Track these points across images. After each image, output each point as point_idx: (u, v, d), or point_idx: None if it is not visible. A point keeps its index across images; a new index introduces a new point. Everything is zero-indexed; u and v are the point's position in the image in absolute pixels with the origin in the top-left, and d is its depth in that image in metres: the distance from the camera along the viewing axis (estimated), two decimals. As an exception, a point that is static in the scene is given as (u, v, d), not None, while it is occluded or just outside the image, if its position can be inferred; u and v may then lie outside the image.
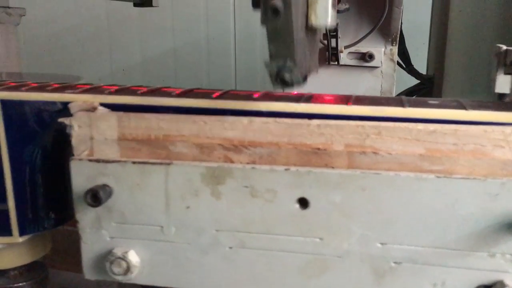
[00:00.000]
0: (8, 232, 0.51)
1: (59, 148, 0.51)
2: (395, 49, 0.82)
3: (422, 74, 1.16)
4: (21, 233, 0.51)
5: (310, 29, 0.41)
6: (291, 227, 0.42)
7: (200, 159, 0.44)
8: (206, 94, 0.46)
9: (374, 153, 0.40)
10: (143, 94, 0.46)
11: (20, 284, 0.56)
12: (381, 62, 0.80)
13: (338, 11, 0.72)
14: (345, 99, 0.44)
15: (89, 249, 0.46)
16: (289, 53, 0.37)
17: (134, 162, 0.43)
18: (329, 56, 0.78)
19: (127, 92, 0.47)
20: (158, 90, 0.48)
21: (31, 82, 0.53)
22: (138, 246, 0.45)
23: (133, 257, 0.45)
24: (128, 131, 0.44)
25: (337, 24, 0.75)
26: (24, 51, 2.05)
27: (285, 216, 0.41)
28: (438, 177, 0.38)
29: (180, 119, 0.43)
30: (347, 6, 0.74)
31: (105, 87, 0.51)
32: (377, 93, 0.82)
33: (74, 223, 0.56)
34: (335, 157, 0.41)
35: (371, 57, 0.80)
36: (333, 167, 0.41)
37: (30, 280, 0.56)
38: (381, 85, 0.81)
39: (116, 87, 0.50)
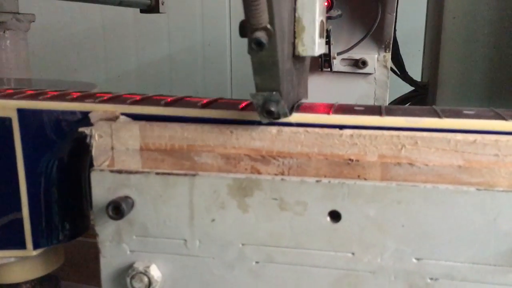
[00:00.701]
0: (22, 245, 0.49)
1: (76, 158, 0.49)
2: (389, 55, 0.81)
3: (416, 81, 1.15)
4: (35, 247, 0.49)
5: (297, 58, 0.41)
6: (322, 241, 0.40)
7: (226, 170, 0.42)
8: (232, 105, 0.44)
9: (410, 164, 0.39)
10: (167, 104, 0.44)
11: (32, 298, 0.54)
12: (375, 68, 0.79)
13: (330, 18, 0.72)
14: (377, 110, 0.42)
15: (109, 263, 0.44)
16: (275, 85, 0.36)
17: (157, 173, 0.42)
18: (322, 63, 0.77)
19: (150, 102, 0.45)
20: (182, 100, 0.47)
21: (49, 90, 0.51)
22: (160, 260, 0.43)
23: (155, 271, 0.43)
24: (151, 140, 0.43)
25: (329, 31, 0.75)
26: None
27: (315, 230, 0.40)
28: (478, 189, 0.37)
29: (205, 129, 0.42)
30: (339, 12, 0.73)
31: (126, 96, 0.49)
32: (370, 100, 0.81)
33: (88, 234, 0.54)
34: (368, 169, 0.40)
35: (364, 63, 0.79)
36: (366, 179, 0.40)
37: (43, 295, 0.55)
38: (375, 92, 0.80)
39: (138, 97, 0.48)
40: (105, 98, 0.47)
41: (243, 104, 0.44)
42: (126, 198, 0.42)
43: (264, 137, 0.41)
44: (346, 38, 0.79)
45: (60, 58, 2.21)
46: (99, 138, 0.44)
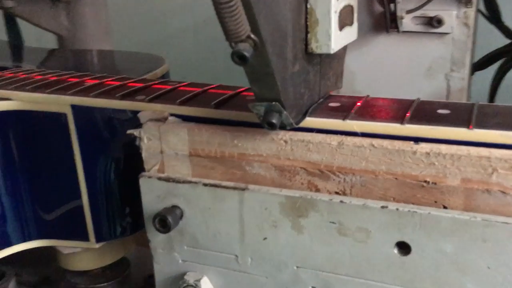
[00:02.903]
0: (85, 238, 0.49)
1: (134, 152, 0.47)
2: (471, 11, 0.66)
3: None
4: (98, 240, 0.49)
5: (313, 55, 0.35)
6: (387, 274, 0.34)
7: (280, 183, 0.37)
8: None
9: (503, 193, 0.31)
10: (218, 105, 0.40)
11: (101, 284, 0.55)
12: (452, 27, 0.66)
13: None
14: (466, 117, 0.34)
15: (162, 270, 0.42)
16: (274, 94, 0.31)
17: (205, 185, 0.38)
18: (387, 23, 0.65)
19: (201, 101, 0.41)
20: (238, 95, 0.42)
21: (109, 79, 0.49)
22: (211, 273, 0.40)
23: (206, 285, 0.40)
24: (200, 146, 0.39)
25: None
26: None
27: (380, 261, 0.34)
28: None
29: (257, 136, 0.37)
30: None
31: (182, 88, 0.45)
32: (446, 63, 0.68)
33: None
34: (448, 194, 0.32)
35: (439, 22, 0.66)
36: (445, 206, 0.33)
37: (112, 280, 0.55)
38: (452, 54, 0.67)
39: (191, 89, 0.44)
40: (157, 94, 0.43)
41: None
42: (174, 209, 0.39)
43: (323, 150, 0.35)
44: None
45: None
46: (148, 141, 0.41)
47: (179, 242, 0.41)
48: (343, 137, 0.35)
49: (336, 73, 0.42)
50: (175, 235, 0.40)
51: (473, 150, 0.31)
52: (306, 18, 0.33)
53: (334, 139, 0.35)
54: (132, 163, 0.48)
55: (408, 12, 0.64)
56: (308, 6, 0.33)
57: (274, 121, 0.32)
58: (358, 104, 0.38)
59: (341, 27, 0.35)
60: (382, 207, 0.33)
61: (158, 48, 0.91)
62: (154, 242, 0.42)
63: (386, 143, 0.33)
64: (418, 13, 0.64)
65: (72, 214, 0.49)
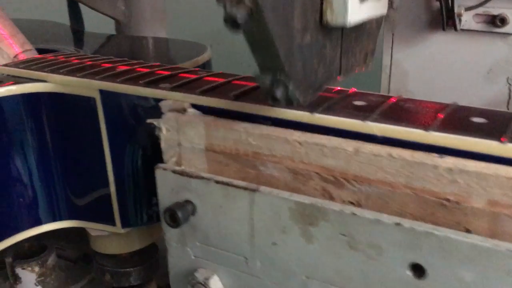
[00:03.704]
0: (112, 222, 0.49)
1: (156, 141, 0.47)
2: None
3: None
4: (124, 225, 0.49)
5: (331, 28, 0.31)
6: (400, 296, 0.31)
7: (294, 187, 0.35)
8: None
9: (534, 221, 0.27)
10: (237, 97, 0.38)
11: (128, 269, 0.55)
12: None
13: None
14: (502, 132, 0.30)
15: (175, 263, 0.42)
16: (277, 65, 0.28)
17: (217, 182, 0.37)
18: (443, 20, 0.59)
19: (221, 92, 0.40)
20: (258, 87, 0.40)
21: (140, 66, 0.49)
22: (222, 272, 0.39)
23: (215, 284, 0.39)
24: (216, 141, 0.38)
25: None
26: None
27: (392, 281, 0.31)
28: None
29: (272, 136, 0.35)
30: None
31: (207, 78, 0.44)
32: (509, 67, 0.61)
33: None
34: (471, 216, 0.29)
35: (503, 21, 0.58)
36: (467, 229, 0.29)
37: (139, 265, 0.55)
38: None
39: (217, 79, 0.43)
40: (180, 82, 0.42)
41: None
42: (186, 204, 0.38)
43: (338, 155, 0.32)
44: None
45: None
46: (166, 132, 0.40)
47: (192, 238, 0.40)
48: (360, 144, 0.32)
49: (364, 50, 0.38)
50: (188, 230, 0.40)
51: (502, 169, 0.27)
52: None
53: (350, 145, 0.32)
54: (157, 151, 0.48)
55: (468, 9, 0.58)
56: None
57: (277, 95, 0.30)
58: (385, 104, 0.35)
59: None
60: (397, 224, 0.30)
61: (212, 38, 0.90)
62: (168, 235, 0.41)
63: (405, 153, 0.30)
64: (479, 10, 0.59)
65: (99, 197, 0.49)
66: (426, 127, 0.31)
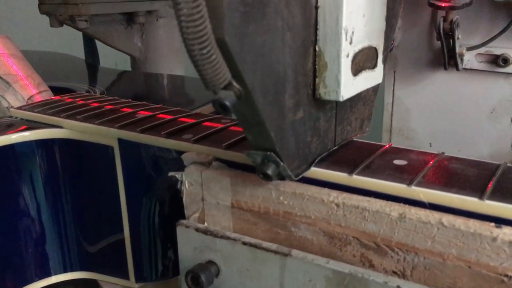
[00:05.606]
0: (126, 276, 0.47)
1: (178, 195, 0.44)
2: None
3: None
4: (138, 280, 0.46)
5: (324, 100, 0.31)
6: None
7: (329, 252, 0.32)
8: (362, 152, 0.34)
9: None
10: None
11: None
12: None
13: (454, 8, 0.55)
14: None
15: (195, 327, 0.38)
16: (269, 144, 0.28)
17: (245, 243, 0.34)
18: (446, 60, 0.58)
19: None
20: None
21: (162, 113, 0.46)
22: None
23: None
24: (243, 198, 0.35)
25: (454, 22, 0.56)
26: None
27: None
28: None
29: (306, 196, 0.32)
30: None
31: (232, 128, 0.41)
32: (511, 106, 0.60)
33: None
34: (535, 296, 0.26)
35: (506, 61, 0.57)
36: (530, 311, 0.26)
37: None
38: None
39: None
40: (204, 134, 0.40)
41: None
42: (210, 265, 0.35)
43: (381, 220, 0.30)
44: (486, 27, 0.58)
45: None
46: (189, 186, 0.37)
47: (214, 301, 0.37)
48: (406, 208, 0.29)
49: (360, 117, 0.36)
50: (210, 293, 0.36)
51: None
52: (314, 61, 0.29)
53: (395, 210, 0.29)
54: (177, 205, 0.45)
55: (470, 49, 0.56)
56: (317, 48, 0.29)
57: (269, 172, 0.29)
58: (429, 164, 0.33)
59: (357, 71, 0.30)
60: (449, 301, 0.27)
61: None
62: (189, 296, 0.38)
63: (459, 222, 0.27)
64: (481, 50, 0.57)
65: (113, 250, 0.46)
66: (479, 194, 0.28)
